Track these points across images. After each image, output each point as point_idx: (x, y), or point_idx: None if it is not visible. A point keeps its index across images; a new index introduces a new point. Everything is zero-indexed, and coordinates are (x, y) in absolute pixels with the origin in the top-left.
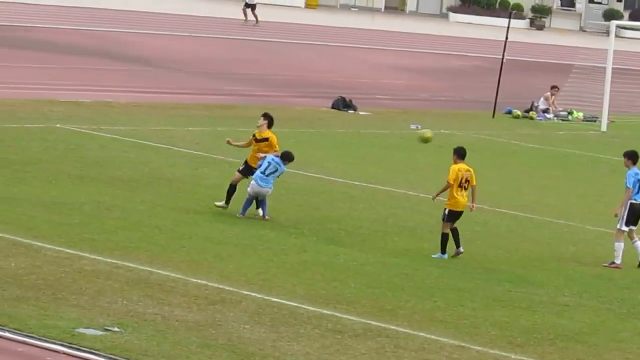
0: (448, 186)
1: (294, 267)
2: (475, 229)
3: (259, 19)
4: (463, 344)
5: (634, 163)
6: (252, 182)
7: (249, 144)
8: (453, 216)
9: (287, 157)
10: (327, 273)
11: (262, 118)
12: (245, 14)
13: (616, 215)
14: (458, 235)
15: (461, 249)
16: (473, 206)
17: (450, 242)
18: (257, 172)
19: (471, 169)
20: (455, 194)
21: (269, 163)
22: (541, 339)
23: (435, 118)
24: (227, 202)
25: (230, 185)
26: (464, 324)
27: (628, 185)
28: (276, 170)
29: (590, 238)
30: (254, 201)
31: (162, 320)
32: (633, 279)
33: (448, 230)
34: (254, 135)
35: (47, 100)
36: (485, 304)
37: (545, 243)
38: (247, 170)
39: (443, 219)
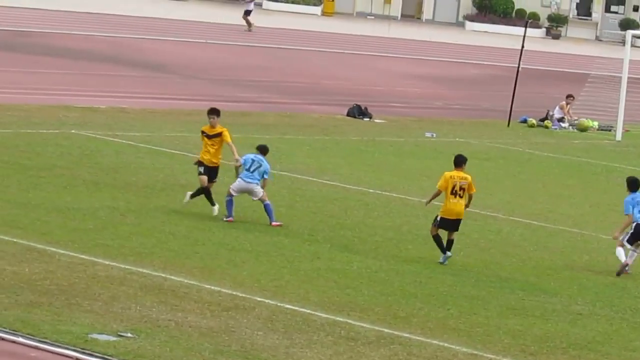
0: (437, 193)
1: (308, 274)
2: (489, 237)
3: (255, 24)
4: (476, 352)
5: (631, 190)
6: (238, 180)
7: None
8: (444, 223)
9: (264, 150)
10: (341, 280)
11: (214, 116)
12: (247, 22)
13: (615, 238)
14: (452, 244)
15: (449, 254)
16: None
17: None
18: (243, 172)
19: (468, 177)
20: (447, 201)
21: (253, 160)
22: (554, 348)
23: (451, 126)
24: (212, 202)
25: (204, 189)
26: (477, 332)
27: (626, 212)
28: (260, 166)
29: (604, 247)
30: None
31: (175, 326)
32: None
33: (436, 233)
34: (203, 132)
35: (62, 106)
36: (499, 312)
37: (559, 252)
38: (207, 169)
39: (434, 224)
